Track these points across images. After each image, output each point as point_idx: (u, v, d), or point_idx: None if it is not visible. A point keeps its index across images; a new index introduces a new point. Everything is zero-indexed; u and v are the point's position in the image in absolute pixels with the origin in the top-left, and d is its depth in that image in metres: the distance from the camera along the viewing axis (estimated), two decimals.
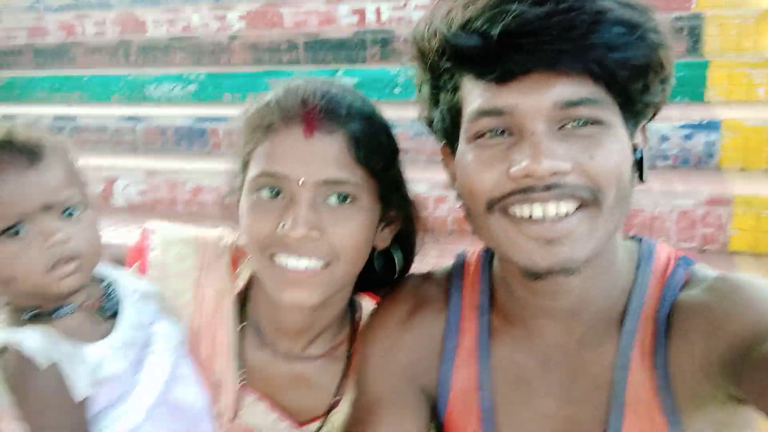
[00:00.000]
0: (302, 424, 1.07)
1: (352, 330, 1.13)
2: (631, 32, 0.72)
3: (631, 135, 0.80)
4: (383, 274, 1.06)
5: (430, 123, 0.91)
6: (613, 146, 0.76)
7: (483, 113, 0.77)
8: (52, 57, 5.63)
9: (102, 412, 0.90)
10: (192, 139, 3.72)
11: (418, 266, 1.12)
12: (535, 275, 0.79)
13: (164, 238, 1.09)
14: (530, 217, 0.76)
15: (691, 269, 0.88)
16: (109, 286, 1.00)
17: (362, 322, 1.11)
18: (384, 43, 4.34)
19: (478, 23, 0.73)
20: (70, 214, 0.92)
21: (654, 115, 0.84)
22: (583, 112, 0.74)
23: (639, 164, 0.83)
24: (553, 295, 0.85)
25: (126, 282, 1.02)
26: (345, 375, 1.10)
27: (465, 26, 0.74)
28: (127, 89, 4.65)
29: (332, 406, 1.09)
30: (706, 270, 0.88)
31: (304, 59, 4.67)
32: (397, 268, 1.07)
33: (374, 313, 1.05)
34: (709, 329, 0.78)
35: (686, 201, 2.39)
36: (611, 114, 0.76)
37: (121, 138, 3.92)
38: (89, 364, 0.88)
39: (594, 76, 0.73)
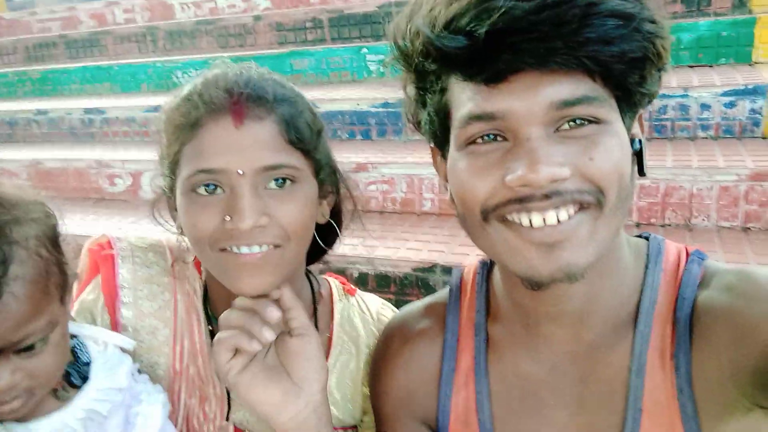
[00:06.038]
0: None
1: (314, 306, 1.12)
2: (625, 24, 0.66)
3: (629, 127, 0.77)
4: (325, 245, 1.10)
5: (417, 124, 0.86)
6: (613, 144, 0.72)
7: (474, 118, 0.72)
8: (84, 48, 5.71)
9: None
10: None
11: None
12: (537, 284, 0.75)
13: (131, 245, 1.08)
14: (530, 225, 0.72)
15: (705, 264, 0.84)
16: (76, 347, 0.89)
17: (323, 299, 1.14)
18: None
19: (463, 22, 0.67)
20: (30, 348, 0.76)
21: (649, 102, 0.79)
22: (581, 111, 0.70)
23: (638, 156, 0.79)
24: (557, 301, 0.81)
25: (97, 337, 0.93)
26: None
27: (449, 26, 0.69)
28: (156, 77, 4.67)
29: None
30: (720, 265, 0.84)
31: (329, 37, 4.58)
32: (338, 236, 1.10)
33: (374, 350, 1.05)
34: (738, 335, 0.73)
35: (728, 176, 2.23)
36: (609, 110, 0.72)
37: (148, 129, 3.95)
38: None
39: (589, 72, 0.68)
